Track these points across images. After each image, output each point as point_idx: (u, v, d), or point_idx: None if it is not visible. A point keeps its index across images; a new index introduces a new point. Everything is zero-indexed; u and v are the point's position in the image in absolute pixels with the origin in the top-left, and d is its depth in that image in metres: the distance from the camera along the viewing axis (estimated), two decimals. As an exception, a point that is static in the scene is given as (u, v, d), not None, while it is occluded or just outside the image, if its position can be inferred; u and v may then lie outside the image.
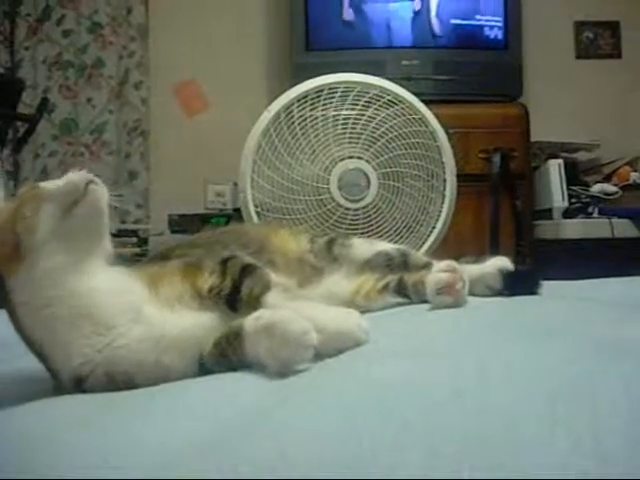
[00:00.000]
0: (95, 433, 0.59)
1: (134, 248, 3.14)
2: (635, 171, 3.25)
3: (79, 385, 0.76)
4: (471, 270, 1.06)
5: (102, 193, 0.82)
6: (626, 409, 0.46)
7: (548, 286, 1.11)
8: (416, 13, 3.34)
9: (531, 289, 1.05)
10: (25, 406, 0.71)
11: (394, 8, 3.35)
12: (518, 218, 2.92)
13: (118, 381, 0.76)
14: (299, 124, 1.93)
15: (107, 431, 0.59)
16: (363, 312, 0.84)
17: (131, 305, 0.79)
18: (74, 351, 0.76)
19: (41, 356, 0.79)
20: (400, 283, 1.06)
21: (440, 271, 0.98)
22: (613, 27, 3.81)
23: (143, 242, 3.18)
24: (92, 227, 0.82)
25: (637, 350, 0.61)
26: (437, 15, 3.34)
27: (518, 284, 1.04)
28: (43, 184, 0.82)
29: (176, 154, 3.59)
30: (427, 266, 1.07)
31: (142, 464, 0.50)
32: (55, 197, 0.80)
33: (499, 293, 1.04)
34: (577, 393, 0.50)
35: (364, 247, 1.15)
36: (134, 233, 3.20)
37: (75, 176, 0.81)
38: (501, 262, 1.07)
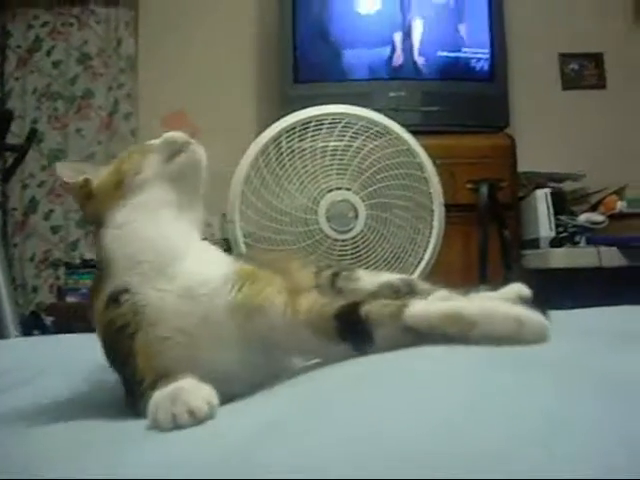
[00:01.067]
0: (110, 444, 0.59)
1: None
2: (621, 200, 3.27)
3: (116, 301, 0.80)
4: (490, 297, 1.07)
5: (201, 151, 0.90)
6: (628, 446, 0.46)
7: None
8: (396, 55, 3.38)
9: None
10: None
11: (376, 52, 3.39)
12: (506, 248, 2.93)
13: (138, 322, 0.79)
14: (287, 155, 1.94)
15: (124, 441, 0.59)
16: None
17: (208, 275, 0.81)
18: (134, 270, 0.81)
19: (106, 271, 0.83)
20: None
21: (442, 298, 0.98)
22: (597, 59, 3.86)
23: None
24: (190, 177, 0.90)
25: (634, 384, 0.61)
26: (421, 49, 3.38)
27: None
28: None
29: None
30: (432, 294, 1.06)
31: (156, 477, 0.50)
32: (159, 148, 0.89)
33: None
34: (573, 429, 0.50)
35: (368, 279, 1.13)
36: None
37: (176, 133, 0.91)
38: (519, 288, 1.06)
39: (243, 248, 1.89)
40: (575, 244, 3.09)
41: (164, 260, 0.82)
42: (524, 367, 0.69)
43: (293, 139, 1.94)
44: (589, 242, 3.08)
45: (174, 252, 0.83)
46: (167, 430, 0.64)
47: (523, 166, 3.29)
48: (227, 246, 2.08)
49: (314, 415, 0.60)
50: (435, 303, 0.75)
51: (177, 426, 0.64)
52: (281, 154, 1.94)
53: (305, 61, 3.36)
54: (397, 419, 0.56)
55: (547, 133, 3.65)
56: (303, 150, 1.95)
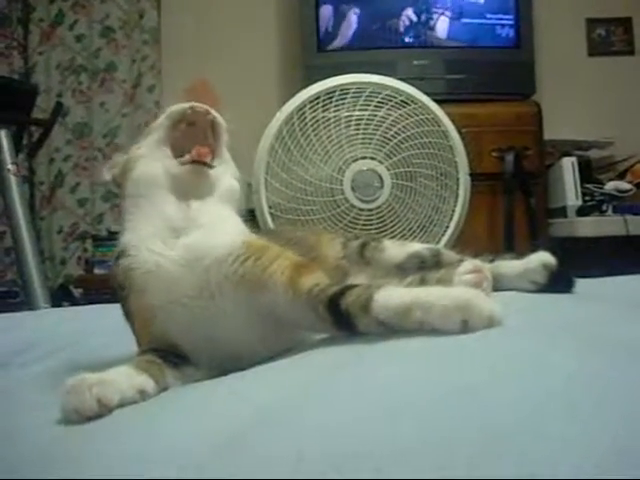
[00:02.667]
0: (112, 433, 0.59)
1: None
2: (649, 168, 3.24)
3: (117, 259, 0.82)
4: (514, 266, 1.07)
5: (221, 120, 0.90)
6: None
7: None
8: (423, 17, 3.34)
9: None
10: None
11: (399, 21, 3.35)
12: (532, 216, 2.91)
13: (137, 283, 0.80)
14: (311, 125, 1.94)
15: (124, 431, 0.59)
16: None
17: (217, 239, 0.81)
18: (138, 232, 0.83)
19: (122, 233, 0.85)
20: (422, 282, 1.04)
21: (466, 272, 0.98)
22: (626, 23, 3.78)
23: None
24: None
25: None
26: (444, 16, 3.34)
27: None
28: None
29: (189, 157, 3.60)
30: (459, 264, 1.04)
31: (158, 464, 0.50)
32: (158, 124, 0.91)
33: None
34: (594, 392, 0.50)
35: (396, 250, 1.13)
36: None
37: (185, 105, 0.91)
38: (544, 257, 1.06)
39: (269, 219, 1.89)
40: (602, 213, 3.06)
41: (169, 226, 0.81)
42: (541, 332, 0.69)
43: (317, 109, 1.94)
44: (616, 211, 3.05)
45: (182, 220, 0.82)
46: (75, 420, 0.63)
47: (549, 134, 3.25)
48: (252, 217, 2.09)
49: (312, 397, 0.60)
50: (397, 291, 0.71)
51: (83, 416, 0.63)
52: (305, 124, 1.93)
53: (328, 30, 3.33)
54: (421, 383, 0.56)
55: (573, 100, 3.60)
56: (328, 120, 1.94)
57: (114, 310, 0.86)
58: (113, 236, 3.11)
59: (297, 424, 0.52)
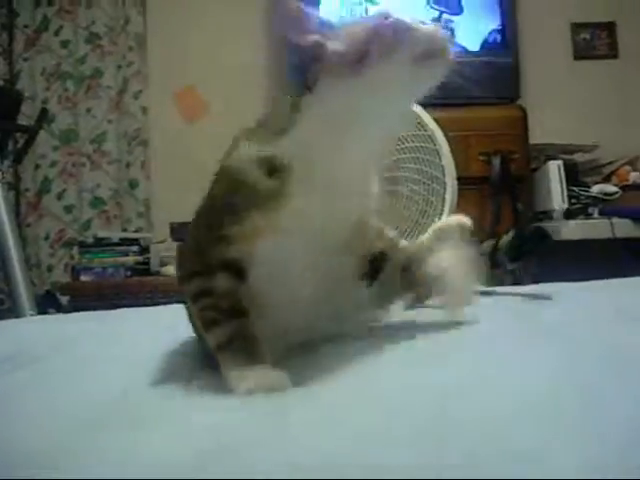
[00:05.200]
0: (101, 437, 0.59)
1: (136, 257, 3.15)
2: (635, 171, 3.25)
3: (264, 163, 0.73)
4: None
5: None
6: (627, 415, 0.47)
7: (552, 287, 1.11)
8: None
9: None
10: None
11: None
12: (519, 220, 2.92)
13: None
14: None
15: (110, 438, 0.59)
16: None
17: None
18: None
19: None
20: None
21: None
22: (609, 28, 3.81)
23: (145, 251, 3.19)
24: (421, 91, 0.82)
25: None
26: (430, 20, 3.35)
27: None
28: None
29: (177, 162, 3.59)
30: None
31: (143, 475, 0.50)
32: (419, 38, 0.74)
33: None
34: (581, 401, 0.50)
35: None
36: (135, 242, 3.21)
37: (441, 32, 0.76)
38: (462, 218, 1.00)
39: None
40: (588, 216, 3.08)
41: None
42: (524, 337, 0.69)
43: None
44: (602, 213, 3.07)
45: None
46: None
47: (535, 138, 3.27)
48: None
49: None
50: None
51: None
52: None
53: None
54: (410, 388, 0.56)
55: (559, 104, 3.62)
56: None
57: (100, 317, 0.86)
58: (100, 242, 3.06)
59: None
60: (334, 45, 0.72)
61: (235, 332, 0.69)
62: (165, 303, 1.40)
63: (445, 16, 3.37)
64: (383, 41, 0.71)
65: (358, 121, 0.73)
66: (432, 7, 3.38)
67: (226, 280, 0.71)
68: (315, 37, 0.73)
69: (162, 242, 3.22)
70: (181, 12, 3.71)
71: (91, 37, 3.70)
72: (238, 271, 0.71)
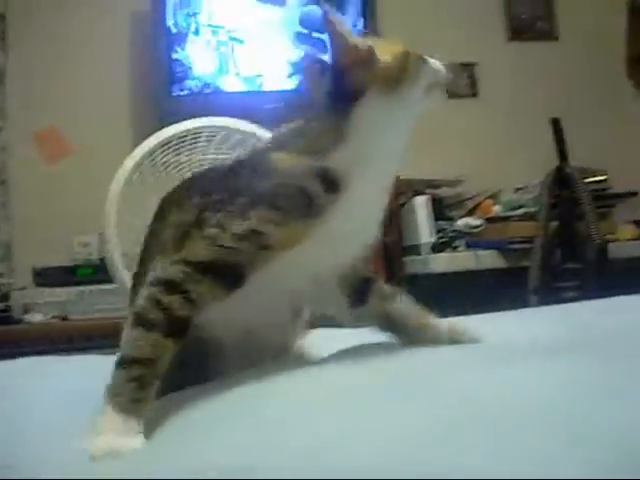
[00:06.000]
0: None
1: (-5, 304, 2.97)
2: (497, 204, 3.39)
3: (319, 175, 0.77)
4: None
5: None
6: None
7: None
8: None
9: None
10: None
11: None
12: (388, 254, 2.97)
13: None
14: (164, 170, 1.90)
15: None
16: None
17: None
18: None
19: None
20: None
21: None
22: (470, 68, 3.99)
23: (4, 297, 3.00)
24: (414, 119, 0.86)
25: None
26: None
27: None
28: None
29: (39, 204, 3.42)
30: None
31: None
32: (432, 70, 0.86)
33: None
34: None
35: None
36: (-5, 288, 3.03)
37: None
38: None
39: (120, 268, 1.82)
40: (455, 248, 3.16)
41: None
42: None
43: (169, 153, 1.90)
44: (468, 246, 3.16)
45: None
46: None
47: (402, 173, 3.34)
48: (104, 267, 2.01)
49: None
50: None
51: None
52: (157, 169, 1.89)
53: (181, 75, 3.30)
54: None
55: (423, 140, 3.72)
56: (180, 164, 1.91)
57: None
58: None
59: None
60: (384, 56, 0.78)
61: (147, 359, 0.66)
62: (30, 354, 1.30)
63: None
64: (416, 66, 0.82)
65: (396, 135, 0.83)
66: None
67: (208, 288, 0.70)
68: (369, 43, 0.78)
69: (22, 289, 3.04)
70: (44, 48, 3.57)
71: (-55, 72, 3.51)
72: (236, 277, 0.71)
